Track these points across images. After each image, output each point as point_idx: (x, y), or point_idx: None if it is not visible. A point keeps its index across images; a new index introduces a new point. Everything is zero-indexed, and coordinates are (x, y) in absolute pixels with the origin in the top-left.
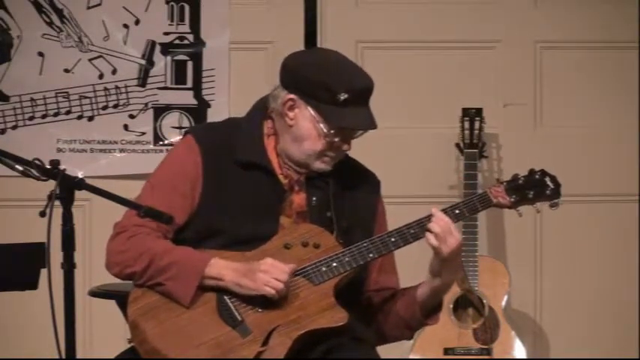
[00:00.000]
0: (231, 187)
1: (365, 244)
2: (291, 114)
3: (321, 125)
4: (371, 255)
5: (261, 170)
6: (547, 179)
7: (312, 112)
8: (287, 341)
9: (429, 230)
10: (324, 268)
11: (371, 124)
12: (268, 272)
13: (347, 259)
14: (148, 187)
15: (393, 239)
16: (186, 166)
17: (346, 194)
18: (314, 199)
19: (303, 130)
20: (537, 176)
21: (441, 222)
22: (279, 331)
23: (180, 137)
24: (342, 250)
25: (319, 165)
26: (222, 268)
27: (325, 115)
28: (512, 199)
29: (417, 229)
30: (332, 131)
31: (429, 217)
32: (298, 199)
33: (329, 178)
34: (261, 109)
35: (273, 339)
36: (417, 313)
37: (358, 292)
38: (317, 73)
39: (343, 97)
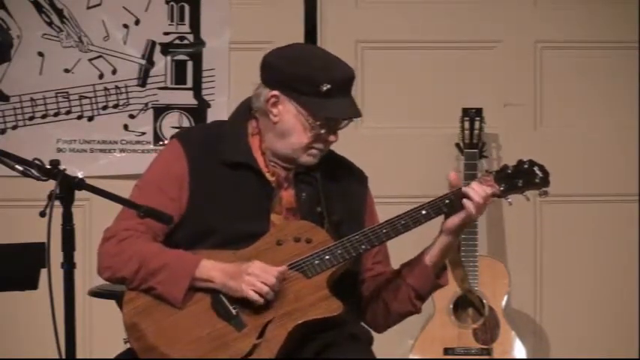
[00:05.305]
0: (220, 189)
1: (357, 237)
2: (275, 110)
3: (306, 118)
4: (363, 247)
5: (248, 169)
6: (535, 168)
7: (296, 105)
8: (282, 333)
9: (467, 196)
10: (316, 262)
11: (355, 113)
12: (255, 275)
13: (339, 251)
14: (135, 190)
15: (384, 230)
16: (172, 170)
17: (335, 189)
18: (303, 194)
19: (289, 125)
20: (526, 166)
21: (480, 191)
22: (275, 323)
23: (167, 141)
24: (335, 243)
25: (306, 158)
26: (212, 269)
27: (309, 108)
28: (502, 188)
29: (408, 220)
30: (317, 123)
31: (421, 206)
32: (287, 195)
33: (317, 174)
34: (245, 110)
35: (268, 331)
36: (430, 276)
37: (355, 283)
38: (298, 67)
39: (325, 87)
